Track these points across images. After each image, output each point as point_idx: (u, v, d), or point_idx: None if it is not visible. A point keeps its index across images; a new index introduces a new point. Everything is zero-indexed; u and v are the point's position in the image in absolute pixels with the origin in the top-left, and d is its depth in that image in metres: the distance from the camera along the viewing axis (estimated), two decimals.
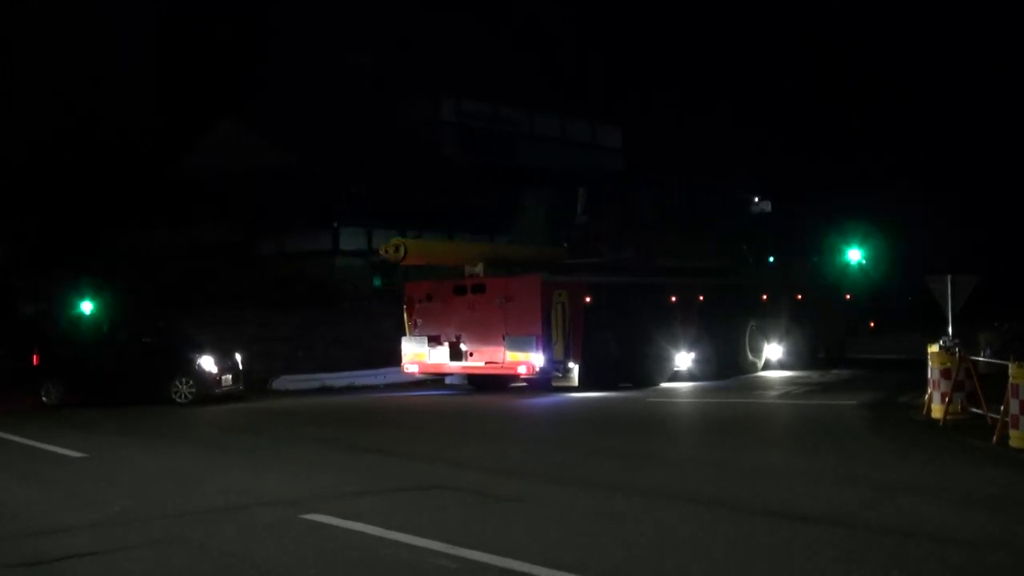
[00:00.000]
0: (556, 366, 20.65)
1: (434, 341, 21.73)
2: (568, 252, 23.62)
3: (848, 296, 29.57)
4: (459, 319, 21.49)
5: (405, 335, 22.21)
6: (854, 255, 29.58)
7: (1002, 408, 12.17)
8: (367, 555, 7.32)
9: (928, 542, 7.45)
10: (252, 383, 22.81)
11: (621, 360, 21.57)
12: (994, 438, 12.22)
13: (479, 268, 21.93)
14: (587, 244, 23.50)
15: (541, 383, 21.73)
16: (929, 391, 15.17)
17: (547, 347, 20.42)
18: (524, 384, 22.35)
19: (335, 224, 28.48)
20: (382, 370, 24.59)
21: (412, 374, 22.52)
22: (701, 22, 68.31)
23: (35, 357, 21.74)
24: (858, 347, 29.95)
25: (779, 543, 7.50)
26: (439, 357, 21.61)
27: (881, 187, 45.38)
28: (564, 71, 54.75)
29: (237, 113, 32.38)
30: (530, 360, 20.30)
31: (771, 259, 27.63)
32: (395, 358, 23.90)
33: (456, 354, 21.50)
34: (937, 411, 14.65)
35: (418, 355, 21.91)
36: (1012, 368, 11.98)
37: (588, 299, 21.14)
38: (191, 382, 20.71)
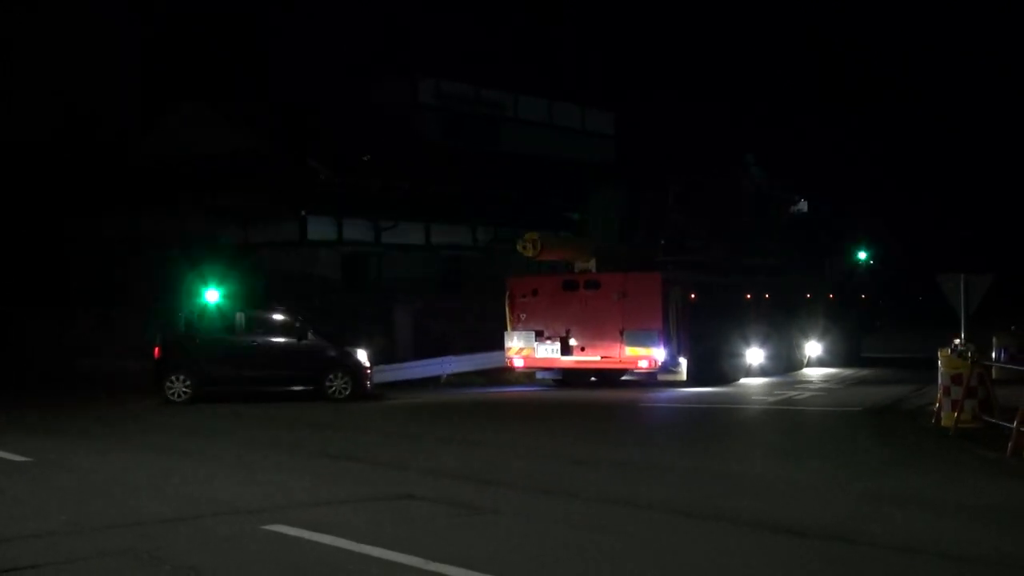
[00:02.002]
0: (672, 361, 22.74)
1: (539, 336, 23.16)
2: (663, 249, 25.44)
3: (864, 295, 31.82)
4: (568, 314, 23.08)
5: (507, 329, 23.74)
6: (863, 254, 32.20)
7: (1018, 417, 12.19)
8: (332, 570, 7.27)
9: (937, 559, 7.48)
10: None
11: (715, 356, 23.66)
12: (1008, 449, 12.23)
13: (591, 264, 23.73)
14: (682, 242, 25.61)
15: (616, 379, 24.07)
16: (939, 397, 15.23)
17: (667, 342, 22.23)
18: (595, 380, 24.27)
19: (302, 212, 28.25)
20: None
21: (518, 368, 24.09)
22: (700, 17, 68.96)
23: (156, 350, 20.94)
24: (870, 346, 32.24)
25: (778, 560, 7.51)
26: (548, 351, 23.16)
27: (882, 186, 46.36)
28: (552, 51, 54.83)
29: (199, 95, 32.13)
30: (652, 355, 22.23)
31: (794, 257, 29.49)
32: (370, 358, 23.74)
33: (566, 349, 22.81)
34: (947, 419, 14.68)
35: (526, 350, 23.44)
36: None
37: (694, 296, 23.35)
38: (346, 377, 20.98)
